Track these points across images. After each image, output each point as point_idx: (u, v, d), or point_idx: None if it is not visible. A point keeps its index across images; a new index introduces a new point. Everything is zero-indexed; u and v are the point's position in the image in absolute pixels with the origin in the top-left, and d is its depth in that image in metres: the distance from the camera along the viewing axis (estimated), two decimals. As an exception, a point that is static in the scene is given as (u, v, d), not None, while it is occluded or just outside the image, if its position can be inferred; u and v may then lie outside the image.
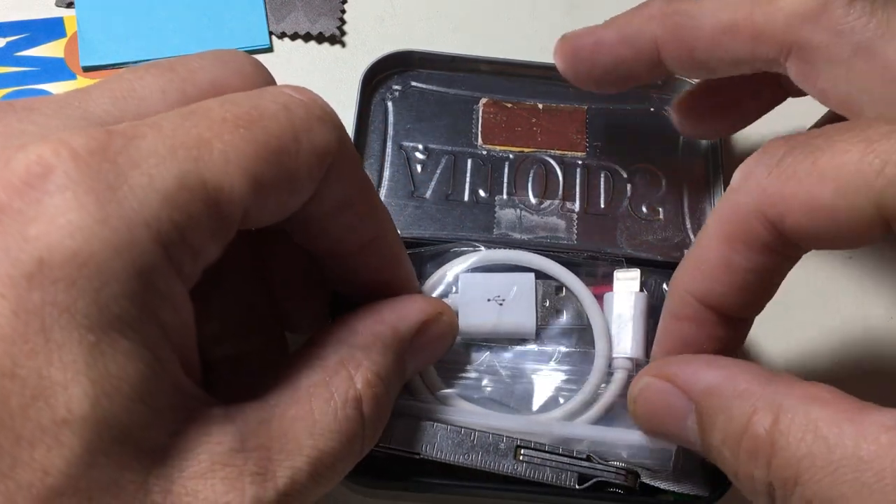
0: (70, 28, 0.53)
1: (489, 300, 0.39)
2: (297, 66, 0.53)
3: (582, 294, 0.40)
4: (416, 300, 0.35)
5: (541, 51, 0.53)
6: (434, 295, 0.40)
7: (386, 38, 0.54)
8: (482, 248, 0.41)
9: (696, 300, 0.33)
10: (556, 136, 0.50)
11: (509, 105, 0.51)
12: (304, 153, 0.28)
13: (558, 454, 0.39)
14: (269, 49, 0.53)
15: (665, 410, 0.32)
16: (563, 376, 0.40)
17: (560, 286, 0.40)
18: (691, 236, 0.48)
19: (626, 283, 0.40)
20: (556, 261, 0.41)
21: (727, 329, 0.33)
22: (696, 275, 0.33)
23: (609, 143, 0.50)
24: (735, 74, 0.39)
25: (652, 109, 0.52)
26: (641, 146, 0.51)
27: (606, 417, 0.39)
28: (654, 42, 0.39)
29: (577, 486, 0.39)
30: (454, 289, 0.40)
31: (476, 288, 0.39)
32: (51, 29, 0.52)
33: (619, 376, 0.39)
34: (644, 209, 0.49)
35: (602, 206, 0.49)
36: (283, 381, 0.29)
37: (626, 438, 0.38)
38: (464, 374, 0.40)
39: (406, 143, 0.50)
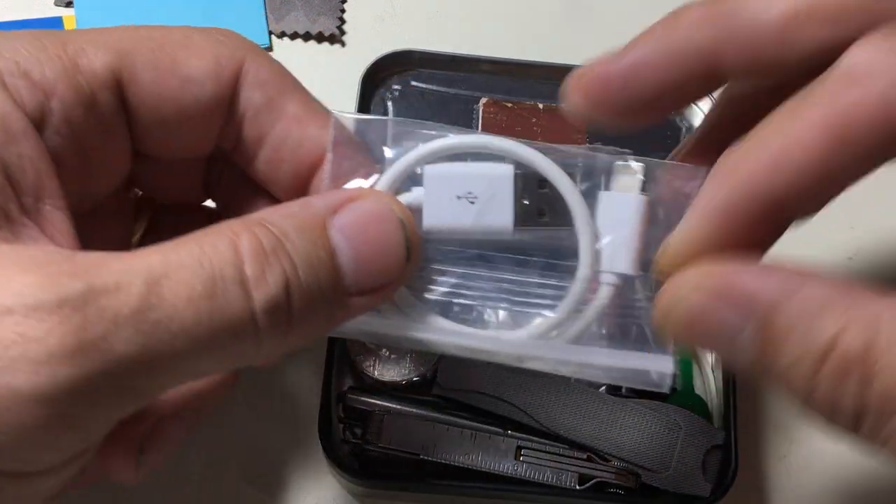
0: (69, 27, 0.52)
1: (459, 197, 0.32)
2: (296, 65, 0.52)
3: (568, 191, 0.32)
4: (349, 189, 0.31)
5: (541, 51, 0.53)
6: (394, 190, 0.32)
7: (386, 37, 0.53)
8: (450, 133, 0.32)
9: (764, 198, 0.28)
10: (556, 136, 0.50)
11: (509, 105, 0.51)
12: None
13: (559, 454, 0.39)
14: (269, 48, 0.53)
15: (714, 327, 0.26)
16: (541, 290, 0.33)
17: (543, 180, 0.32)
18: (691, 236, 0.48)
19: (625, 179, 0.34)
20: (540, 150, 0.33)
21: (776, 233, 0.29)
22: (778, 171, 0.27)
23: (609, 143, 0.50)
24: (803, 72, 0.29)
25: (652, 109, 0.51)
26: (641, 146, 0.50)
27: (586, 337, 0.33)
28: (706, 51, 0.31)
29: (577, 487, 0.39)
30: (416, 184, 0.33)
31: (443, 182, 0.32)
32: (49, 28, 0.52)
33: (604, 293, 0.32)
34: (644, 209, 0.48)
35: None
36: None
37: (604, 362, 0.32)
38: (431, 287, 0.33)
39: (406, 143, 0.49)
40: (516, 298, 0.33)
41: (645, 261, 0.32)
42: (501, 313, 0.34)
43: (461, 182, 0.32)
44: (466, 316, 0.33)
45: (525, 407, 0.40)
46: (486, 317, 0.34)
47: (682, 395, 0.42)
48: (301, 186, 0.33)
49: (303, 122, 0.33)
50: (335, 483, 0.42)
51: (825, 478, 0.44)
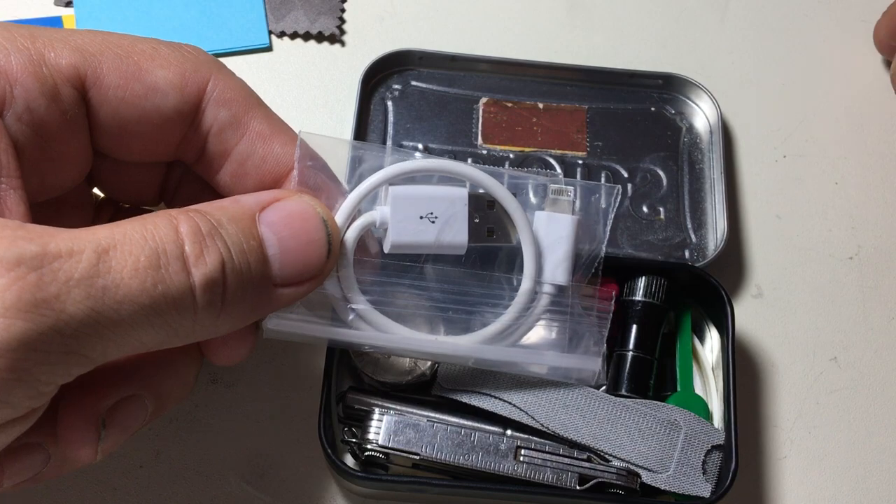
0: (69, 27, 0.52)
1: (421, 217, 0.36)
2: (296, 65, 0.53)
3: (515, 212, 0.37)
4: (277, 189, 0.34)
5: (541, 51, 0.53)
6: (358, 207, 0.36)
7: (386, 37, 0.53)
8: (408, 158, 0.37)
9: None
10: (556, 135, 0.50)
11: (509, 105, 0.51)
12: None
13: (559, 454, 0.39)
14: (269, 48, 0.53)
15: None
16: (488, 299, 0.38)
17: (492, 201, 0.37)
18: (692, 236, 0.48)
19: (560, 200, 0.38)
20: (489, 173, 0.37)
21: None
22: None
23: (609, 143, 0.50)
24: None
25: (652, 109, 0.52)
26: (641, 146, 0.50)
27: (528, 340, 0.38)
28: None
29: (577, 487, 0.39)
30: (382, 200, 0.37)
31: (407, 203, 0.36)
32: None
33: (544, 301, 0.38)
34: (644, 209, 0.49)
35: (602, 205, 0.48)
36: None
37: (544, 361, 0.38)
38: (387, 293, 0.37)
39: (406, 143, 0.50)
40: (466, 307, 0.38)
41: (575, 271, 0.38)
42: (453, 319, 0.38)
43: (423, 203, 0.36)
44: (421, 323, 0.38)
45: (525, 407, 0.40)
46: (438, 323, 0.38)
47: (682, 395, 0.42)
48: None
49: (267, 140, 0.34)
50: (335, 483, 0.42)
51: (825, 478, 0.44)
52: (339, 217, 0.35)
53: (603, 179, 0.49)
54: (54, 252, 0.26)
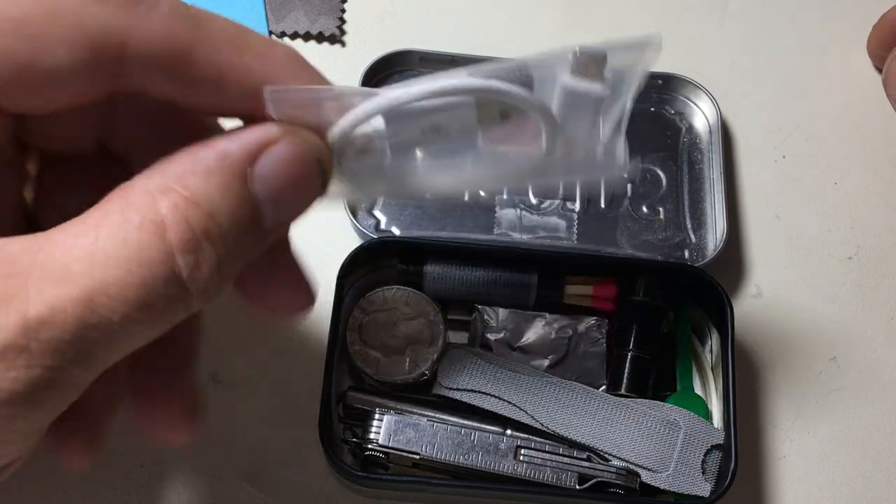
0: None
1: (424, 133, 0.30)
2: (296, 65, 0.53)
3: (542, 113, 0.30)
4: (261, 125, 0.28)
5: (540, 51, 0.53)
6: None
7: (386, 37, 0.53)
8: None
9: None
10: (556, 135, 0.50)
11: (509, 105, 0.51)
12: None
13: (558, 454, 0.39)
14: (269, 49, 0.53)
15: None
16: None
17: (504, 110, 0.30)
18: (691, 236, 0.48)
19: (592, 67, 0.31)
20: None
21: None
22: None
23: (609, 143, 0.50)
24: None
25: (652, 109, 0.52)
26: (641, 146, 0.50)
27: None
28: None
29: (577, 487, 0.39)
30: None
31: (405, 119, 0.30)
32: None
33: None
34: (644, 209, 0.49)
35: (602, 205, 0.49)
36: (79, 221, 0.25)
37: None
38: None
39: (406, 143, 0.49)
40: None
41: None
42: None
43: (423, 118, 0.30)
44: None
45: (525, 407, 0.40)
46: None
47: (682, 395, 0.42)
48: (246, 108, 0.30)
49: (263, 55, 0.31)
50: (335, 483, 0.42)
51: (825, 478, 0.44)
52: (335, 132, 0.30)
53: (602, 179, 0.49)
54: (35, 319, 0.23)
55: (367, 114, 0.30)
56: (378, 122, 0.30)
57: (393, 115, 0.30)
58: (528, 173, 0.31)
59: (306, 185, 0.29)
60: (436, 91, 0.29)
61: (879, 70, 0.54)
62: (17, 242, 0.24)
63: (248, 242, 0.28)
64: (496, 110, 0.30)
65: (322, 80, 0.31)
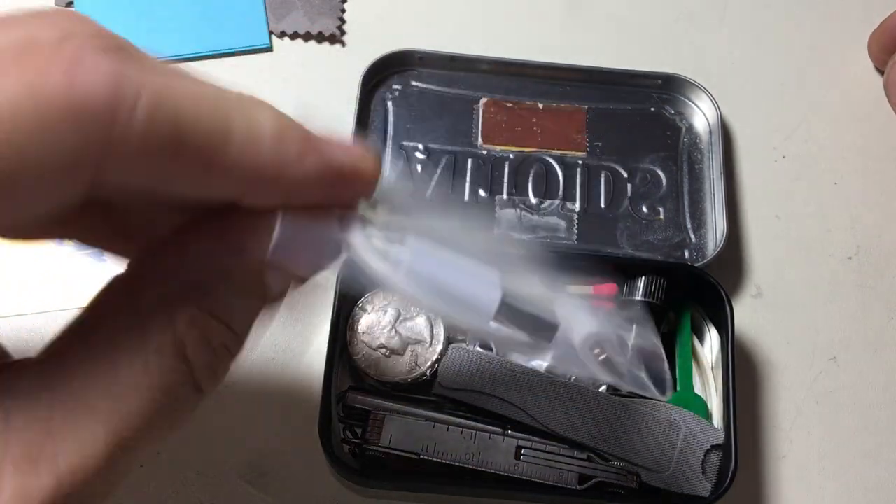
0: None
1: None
2: (296, 65, 0.53)
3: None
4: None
5: (541, 51, 0.53)
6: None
7: (386, 37, 0.53)
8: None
9: None
10: (556, 135, 0.50)
11: (509, 105, 0.51)
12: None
13: (558, 454, 0.39)
14: (269, 48, 0.53)
15: None
16: None
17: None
18: (691, 236, 0.48)
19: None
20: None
21: None
22: None
23: (609, 143, 0.50)
24: None
25: (652, 109, 0.52)
26: (641, 146, 0.51)
27: None
28: None
29: (577, 486, 0.39)
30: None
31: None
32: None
33: None
34: (644, 209, 0.49)
35: (602, 206, 0.49)
36: (89, 340, 0.23)
37: None
38: None
39: (406, 143, 0.50)
40: None
41: None
42: None
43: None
44: None
45: (525, 407, 0.40)
46: None
47: (682, 395, 0.42)
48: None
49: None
50: (335, 483, 0.42)
51: (824, 478, 0.44)
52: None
53: (603, 179, 0.49)
54: (67, 474, 0.21)
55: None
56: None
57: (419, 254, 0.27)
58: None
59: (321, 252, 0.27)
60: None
61: (879, 70, 0.54)
62: (29, 380, 0.23)
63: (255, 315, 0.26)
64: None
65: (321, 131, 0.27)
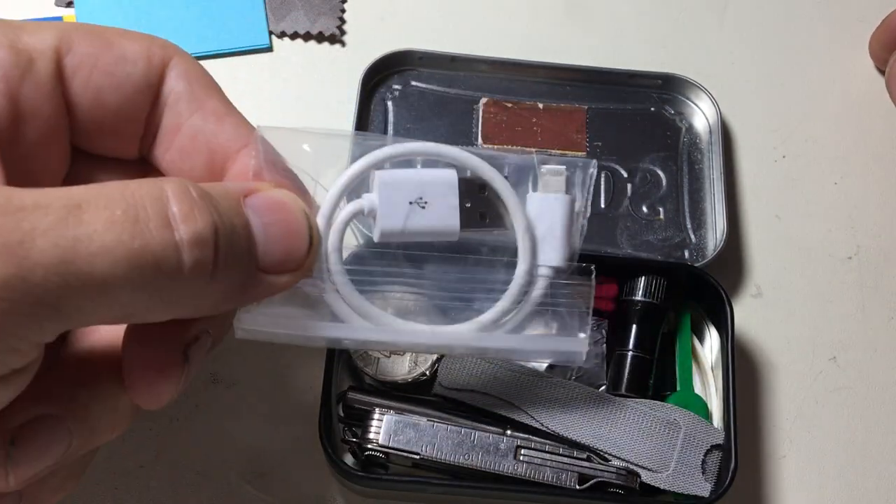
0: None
1: (411, 203, 0.34)
2: (296, 65, 0.53)
3: (507, 195, 0.35)
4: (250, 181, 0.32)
5: (541, 51, 0.53)
6: (346, 194, 0.34)
7: (386, 37, 0.53)
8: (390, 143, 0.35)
9: None
10: (556, 135, 0.50)
11: (509, 105, 0.51)
12: None
13: (558, 454, 0.39)
14: (269, 48, 0.53)
15: None
16: (484, 286, 0.36)
17: (483, 185, 0.35)
18: (691, 236, 0.48)
19: (553, 180, 0.36)
20: (479, 156, 0.35)
21: None
22: None
23: (609, 143, 0.50)
24: None
25: (652, 109, 0.52)
26: (641, 146, 0.51)
27: (524, 326, 0.36)
28: None
29: (577, 487, 0.39)
30: (369, 188, 0.34)
31: (395, 188, 0.34)
32: (50, 28, 0.52)
33: (540, 284, 0.35)
34: (644, 209, 0.49)
35: (602, 206, 0.49)
36: None
37: (539, 346, 0.36)
38: (378, 285, 0.35)
39: (406, 143, 0.50)
40: (460, 294, 0.36)
41: (570, 252, 0.36)
42: (448, 308, 0.36)
43: (412, 188, 0.34)
44: (416, 313, 0.36)
45: (525, 407, 0.40)
46: (433, 314, 0.36)
47: (682, 395, 0.42)
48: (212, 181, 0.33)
49: (220, 118, 0.33)
50: (335, 483, 0.42)
51: (824, 478, 0.44)
52: (325, 207, 0.33)
53: (603, 179, 0.49)
54: (17, 203, 0.24)
55: (360, 168, 0.34)
56: (372, 199, 0.34)
57: (388, 181, 0.34)
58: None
59: (293, 228, 0.30)
60: (424, 151, 0.35)
61: (880, 70, 0.54)
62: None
63: (244, 263, 0.29)
64: (476, 187, 0.35)
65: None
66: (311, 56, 0.53)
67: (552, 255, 0.36)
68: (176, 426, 0.43)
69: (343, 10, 0.54)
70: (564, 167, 0.36)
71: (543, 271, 0.36)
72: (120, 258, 0.25)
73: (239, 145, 0.33)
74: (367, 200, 0.34)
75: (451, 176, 0.35)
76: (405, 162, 0.35)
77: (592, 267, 0.36)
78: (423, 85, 0.51)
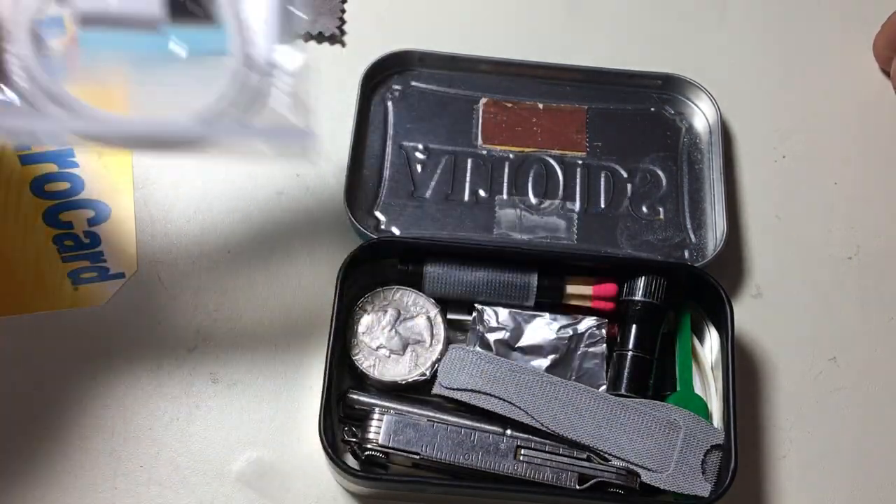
0: (70, 26, 0.52)
1: None
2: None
3: None
4: None
5: (541, 51, 0.53)
6: None
7: (386, 38, 0.53)
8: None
9: None
10: (556, 135, 0.50)
11: (509, 105, 0.51)
12: None
13: (558, 454, 0.39)
14: (269, 49, 0.53)
15: None
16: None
17: None
18: (691, 236, 0.48)
19: None
20: None
21: None
22: None
23: (609, 143, 0.50)
24: None
25: (652, 109, 0.52)
26: (641, 146, 0.51)
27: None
28: None
29: (577, 487, 0.39)
30: None
31: None
32: (52, 28, 0.52)
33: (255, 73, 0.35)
34: (644, 209, 0.49)
35: (602, 205, 0.49)
36: None
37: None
38: None
39: (406, 143, 0.50)
40: None
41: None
42: None
43: None
44: None
45: (525, 407, 0.40)
46: None
47: (682, 395, 0.42)
48: None
49: None
50: (335, 483, 0.42)
51: (824, 478, 0.44)
52: None
53: (603, 179, 0.49)
54: None
55: None
56: None
57: None
58: None
59: None
60: None
61: (884, 70, 0.54)
62: None
63: None
64: None
65: None
66: (311, 56, 0.53)
67: (265, 45, 0.34)
68: (176, 426, 0.43)
69: (343, 10, 0.54)
70: None
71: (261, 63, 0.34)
72: None
73: None
74: None
75: None
76: None
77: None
78: (424, 85, 0.51)
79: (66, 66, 0.32)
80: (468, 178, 0.49)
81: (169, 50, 0.33)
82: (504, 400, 0.40)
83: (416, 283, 0.43)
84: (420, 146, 0.49)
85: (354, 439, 0.40)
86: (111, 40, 0.33)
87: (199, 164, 0.49)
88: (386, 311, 0.43)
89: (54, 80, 0.31)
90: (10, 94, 0.31)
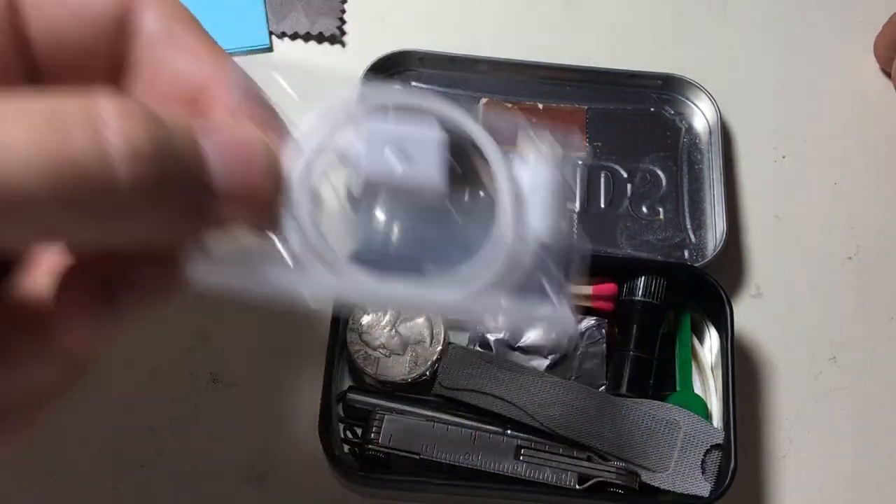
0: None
1: (394, 155, 0.31)
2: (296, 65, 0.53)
3: (490, 152, 0.32)
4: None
5: (541, 51, 0.53)
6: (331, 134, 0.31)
7: (386, 38, 0.53)
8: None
9: None
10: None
11: (509, 105, 0.51)
12: None
13: (559, 454, 0.39)
14: (269, 49, 0.53)
15: None
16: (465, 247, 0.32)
17: (463, 142, 0.33)
18: (691, 236, 0.48)
19: (542, 147, 0.34)
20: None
21: None
22: None
23: (609, 144, 0.50)
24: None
25: (652, 109, 0.52)
26: (641, 146, 0.51)
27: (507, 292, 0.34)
28: None
29: (577, 486, 0.39)
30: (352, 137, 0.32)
31: (381, 137, 0.31)
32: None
33: (527, 259, 0.33)
34: (644, 209, 0.49)
35: (602, 206, 0.49)
36: None
37: (529, 310, 0.32)
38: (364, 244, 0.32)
39: (406, 143, 0.50)
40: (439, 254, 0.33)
41: (557, 230, 0.33)
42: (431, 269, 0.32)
43: (395, 140, 0.31)
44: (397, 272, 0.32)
45: (525, 407, 0.40)
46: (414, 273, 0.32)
47: (682, 395, 0.42)
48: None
49: (200, 55, 0.31)
50: (335, 483, 0.42)
51: (824, 477, 0.44)
52: (307, 147, 0.30)
53: (602, 179, 0.49)
54: None
55: (336, 109, 0.31)
56: (356, 146, 0.31)
57: (376, 129, 0.31)
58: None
59: (256, 166, 0.27)
60: (405, 103, 0.31)
61: (884, 71, 0.54)
62: None
63: (192, 181, 0.25)
64: (460, 149, 0.32)
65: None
66: (311, 56, 0.53)
67: (538, 225, 0.33)
68: (176, 426, 0.43)
69: (343, 11, 0.54)
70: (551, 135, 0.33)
71: (531, 246, 0.33)
72: (43, 170, 0.22)
73: (220, 83, 0.30)
74: (349, 146, 0.31)
75: (436, 132, 0.32)
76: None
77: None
78: (424, 85, 0.51)
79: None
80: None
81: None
82: (504, 400, 0.40)
83: (416, 283, 0.43)
84: (420, 146, 0.49)
85: (355, 439, 0.40)
86: (388, 209, 0.33)
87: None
88: (386, 311, 0.43)
89: (329, 248, 0.30)
90: (284, 253, 0.30)
